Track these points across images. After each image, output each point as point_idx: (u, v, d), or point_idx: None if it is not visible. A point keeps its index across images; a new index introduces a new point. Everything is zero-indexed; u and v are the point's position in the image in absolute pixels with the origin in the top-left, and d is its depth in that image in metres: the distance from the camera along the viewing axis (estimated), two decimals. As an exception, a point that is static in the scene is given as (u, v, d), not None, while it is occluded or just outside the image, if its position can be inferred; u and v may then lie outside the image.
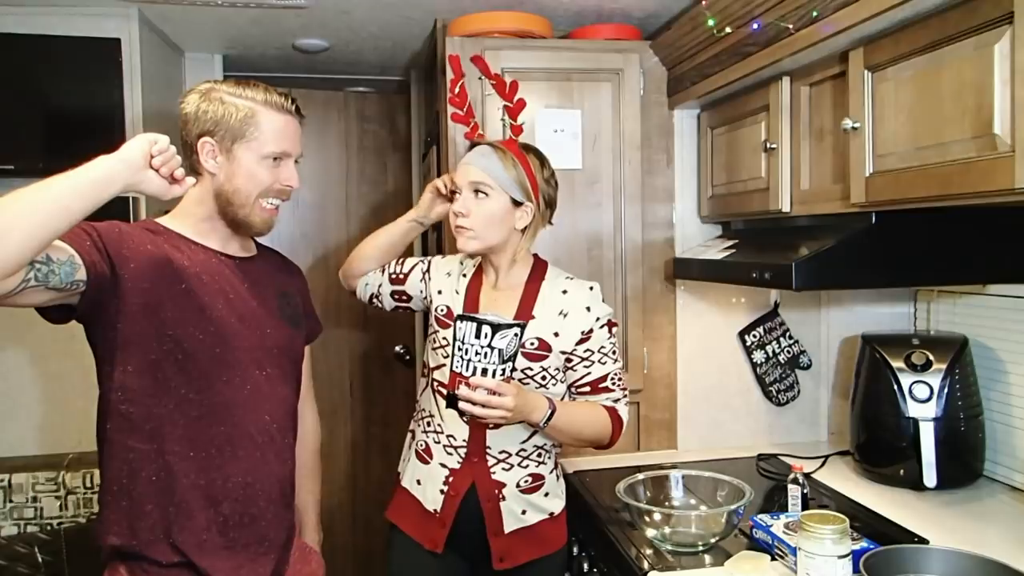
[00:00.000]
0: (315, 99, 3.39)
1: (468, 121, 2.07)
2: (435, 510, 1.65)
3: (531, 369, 1.62)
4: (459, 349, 1.43)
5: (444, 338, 1.67)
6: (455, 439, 1.65)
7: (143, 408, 1.35)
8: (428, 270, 1.81)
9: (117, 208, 2.27)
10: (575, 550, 1.90)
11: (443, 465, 1.66)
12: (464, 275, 1.76)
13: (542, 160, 1.69)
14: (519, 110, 2.08)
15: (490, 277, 1.73)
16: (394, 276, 1.83)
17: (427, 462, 1.69)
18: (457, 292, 1.74)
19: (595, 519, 1.81)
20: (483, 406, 1.43)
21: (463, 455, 1.64)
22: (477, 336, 1.41)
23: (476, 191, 1.62)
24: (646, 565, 1.53)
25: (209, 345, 1.37)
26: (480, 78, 2.10)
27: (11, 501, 2.18)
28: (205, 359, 1.37)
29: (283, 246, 3.31)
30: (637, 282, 2.24)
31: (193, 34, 2.59)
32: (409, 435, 1.80)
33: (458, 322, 1.43)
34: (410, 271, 1.82)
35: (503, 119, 2.08)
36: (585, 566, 1.82)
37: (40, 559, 2.13)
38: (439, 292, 1.76)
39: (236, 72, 3.01)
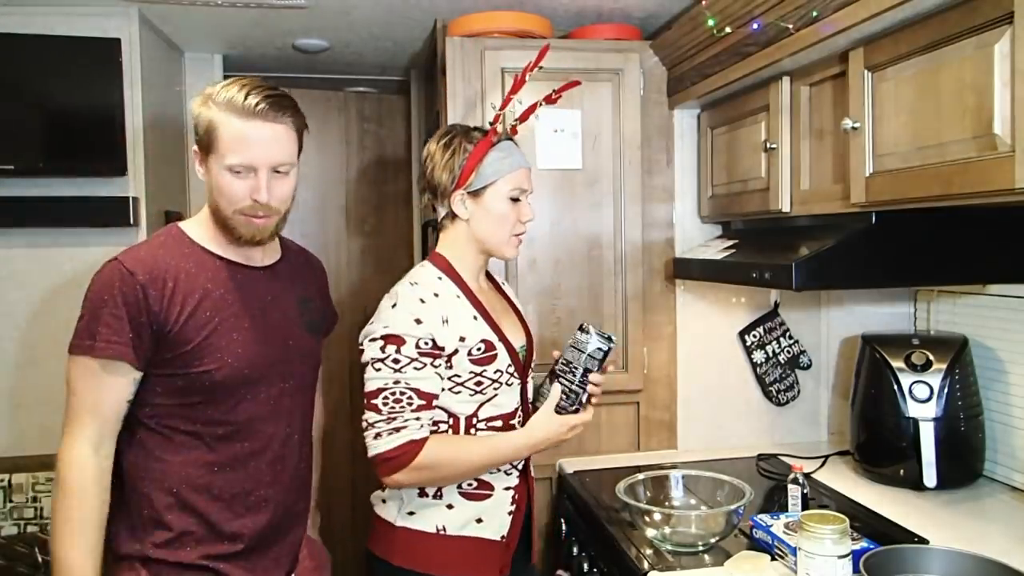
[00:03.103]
0: (315, 99, 3.38)
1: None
2: (502, 536, 1.54)
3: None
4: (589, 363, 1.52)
5: (497, 371, 1.50)
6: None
7: (169, 425, 1.36)
8: (433, 335, 1.44)
9: (117, 209, 2.28)
10: (575, 550, 1.90)
11: (507, 488, 1.55)
12: (457, 295, 1.52)
13: None
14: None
15: (473, 283, 1.58)
16: (427, 399, 1.45)
17: (487, 497, 1.53)
18: (475, 317, 1.51)
19: (595, 519, 1.81)
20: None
21: (520, 469, 1.58)
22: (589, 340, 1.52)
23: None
24: (646, 565, 1.53)
25: (237, 368, 1.36)
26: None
27: (11, 501, 2.18)
28: (232, 382, 1.36)
29: (283, 246, 3.34)
30: (637, 282, 2.24)
31: (193, 34, 2.59)
32: (429, 489, 1.51)
33: (585, 336, 1.51)
34: (445, 354, 1.47)
35: (516, 116, 1.83)
36: (585, 566, 1.82)
37: (40, 559, 2.13)
38: (448, 325, 1.46)
39: (236, 72, 3.01)
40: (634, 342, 2.24)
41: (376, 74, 3.21)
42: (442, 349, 1.44)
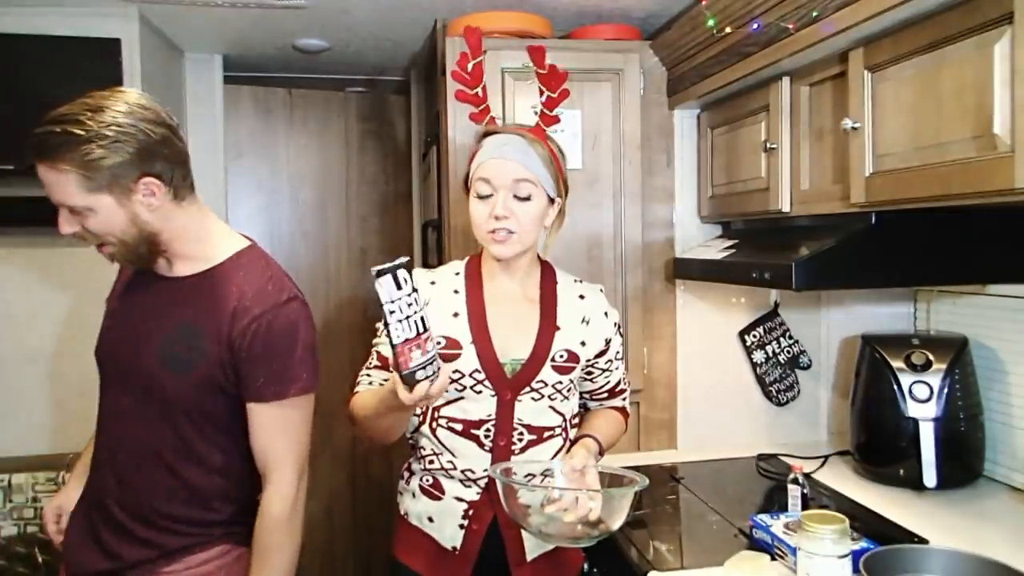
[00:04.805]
0: (315, 99, 3.39)
1: (479, 102, 1.67)
2: (454, 547, 1.50)
3: (560, 383, 1.50)
4: (391, 312, 1.16)
5: (456, 372, 1.45)
6: (473, 472, 1.48)
7: None
8: None
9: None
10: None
11: (459, 499, 1.49)
12: (456, 291, 1.52)
13: (561, 149, 1.54)
14: (562, 100, 1.65)
15: (500, 286, 1.53)
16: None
17: (439, 498, 1.51)
18: (456, 314, 1.49)
19: (595, 519, 1.80)
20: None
21: (483, 486, 1.49)
22: (400, 287, 1.16)
23: (517, 193, 1.43)
24: (646, 565, 1.53)
25: (101, 359, 1.48)
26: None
27: (11, 501, 2.18)
28: (102, 370, 1.48)
29: (283, 246, 3.36)
30: (637, 282, 2.24)
31: (193, 34, 2.59)
32: (406, 472, 1.61)
33: (379, 280, 1.15)
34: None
35: (537, 109, 1.66)
36: (585, 566, 1.82)
37: (40, 559, 2.13)
38: (425, 310, 1.41)
39: (236, 72, 3.01)
40: (634, 342, 2.24)
41: (376, 74, 3.21)
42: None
